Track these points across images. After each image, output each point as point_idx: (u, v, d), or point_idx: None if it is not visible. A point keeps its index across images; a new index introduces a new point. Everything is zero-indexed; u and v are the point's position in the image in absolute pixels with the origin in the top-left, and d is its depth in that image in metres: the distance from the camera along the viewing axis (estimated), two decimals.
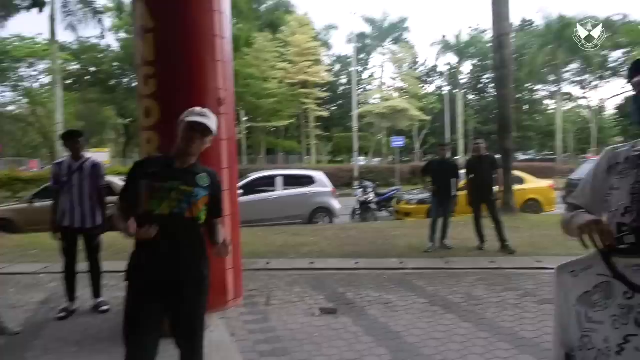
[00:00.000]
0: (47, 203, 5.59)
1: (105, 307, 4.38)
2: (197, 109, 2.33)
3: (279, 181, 10.79)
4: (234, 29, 31.24)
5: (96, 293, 4.46)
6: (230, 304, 4.37)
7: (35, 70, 37.72)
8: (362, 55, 45.48)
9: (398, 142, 23.06)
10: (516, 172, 11.72)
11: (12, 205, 11.10)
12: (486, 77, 42.76)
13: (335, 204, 10.96)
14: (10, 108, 47.28)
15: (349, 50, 48.94)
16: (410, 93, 37.44)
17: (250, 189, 10.57)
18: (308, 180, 11.06)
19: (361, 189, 12.35)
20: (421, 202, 10.70)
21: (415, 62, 44.19)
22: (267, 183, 10.88)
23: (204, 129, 2.26)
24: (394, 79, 42.49)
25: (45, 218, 4.89)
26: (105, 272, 4.57)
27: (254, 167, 24.11)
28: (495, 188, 7.14)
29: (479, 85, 44.92)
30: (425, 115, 34.54)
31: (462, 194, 7.45)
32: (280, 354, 3.37)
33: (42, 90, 34.45)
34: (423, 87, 43.95)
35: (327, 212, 10.88)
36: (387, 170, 25.23)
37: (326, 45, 43.14)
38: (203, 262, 2.39)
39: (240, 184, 10.84)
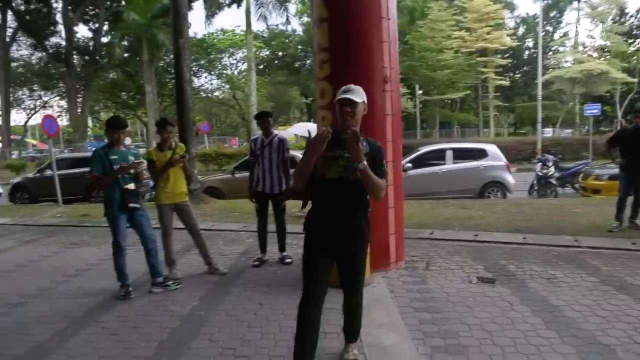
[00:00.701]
0: (245, 174, 6.76)
1: (288, 260, 5.23)
2: (343, 87, 2.71)
3: (448, 154, 10.72)
4: (409, 0, 30.90)
5: (281, 248, 5.34)
6: (392, 265, 4.80)
7: (235, 59, 43.03)
8: (553, 14, 40.65)
9: (593, 110, 20.32)
10: None
11: (218, 176, 13.31)
12: None
13: (509, 178, 10.46)
14: (216, 94, 54.94)
15: (536, 9, 43.90)
16: (613, 52, 32.21)
17: (419, 162, 10.76)
18: (480, 154, 10.73)
19: (540, 163, 11.48)
20: (613, 177, 9.49)
21: (622, 14, 37.57)
22: (437, 156, 10.89)
23: (350, 103, 2.64)
24: (592, 37, 37.01)
25: (244, 187, 5.99)
26: (288, 233, 5.42)
27: (428, 140, 23.95)
28: None
29: None
30: (631, 77, 29.45)
31: None
32: (433, 312, 3.67)
33: (240, 76, 39.24)
34: (634, 42, 37.16)
35: (500, 186, 10.46)
36: (579, 142, 22.48)
37: (509, 6, 39.69)
38: (364, 219, 2.78)
39: (409, 157, 11.14)
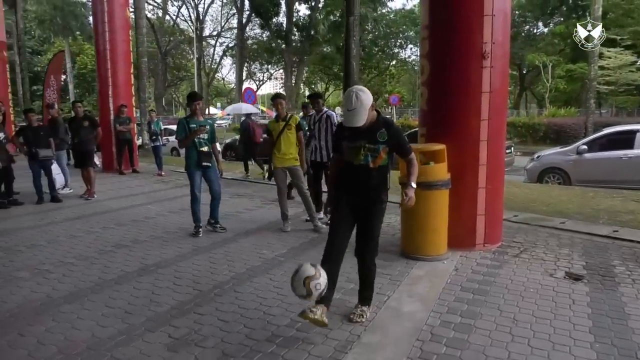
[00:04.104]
0: None
1: None
2: (346, 103, 2.93)
3: (638, 137, 9.01)
4: None
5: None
6: (478, 246, 4.70)
7: None
8: None
9: None
10: None
11: None
12: None
13: None
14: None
15: None
16: None
17: (599, 145, 9.38)
18: None
19: None
20: None
21: None
22: (624, 139, 9.27)
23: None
24: None
25: None
26: None
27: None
28: None
29: None
30: None
31: None
32: (478, 294, 3.62)
33: None
34: None
35: None
36: None
37: None
38: (383, 194, 3.18)
39: (587, 139, 9.83)
